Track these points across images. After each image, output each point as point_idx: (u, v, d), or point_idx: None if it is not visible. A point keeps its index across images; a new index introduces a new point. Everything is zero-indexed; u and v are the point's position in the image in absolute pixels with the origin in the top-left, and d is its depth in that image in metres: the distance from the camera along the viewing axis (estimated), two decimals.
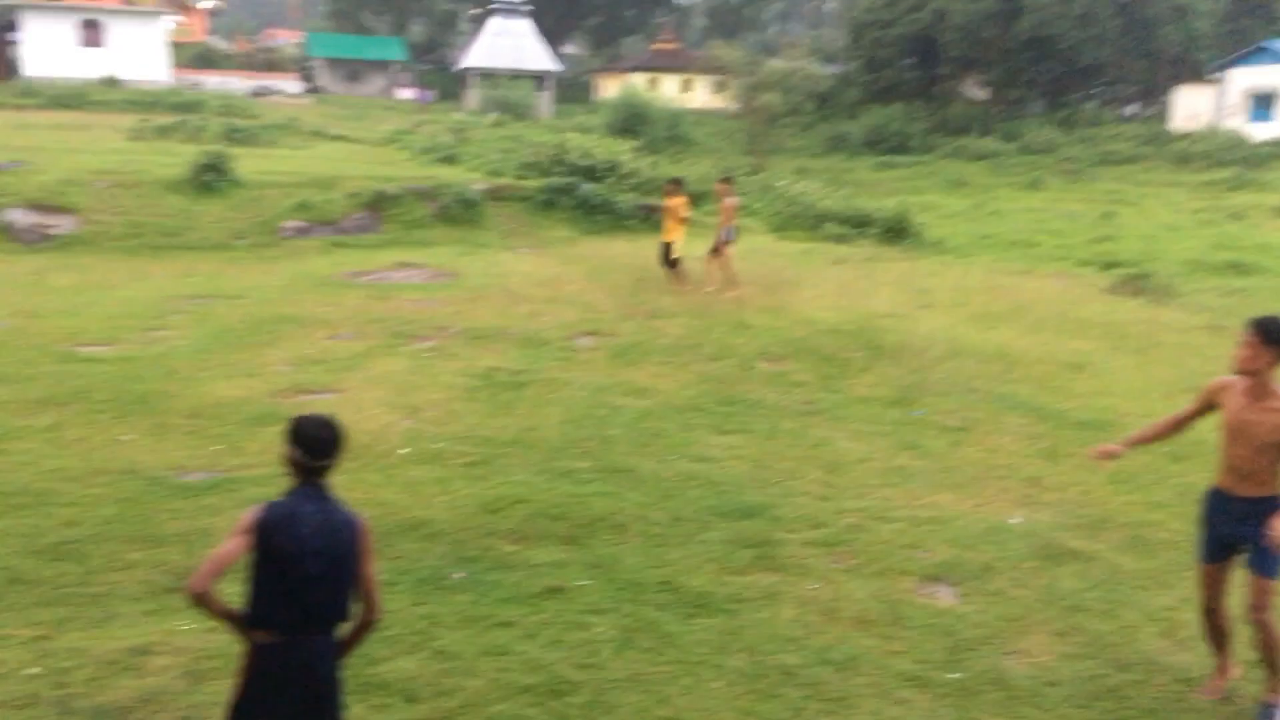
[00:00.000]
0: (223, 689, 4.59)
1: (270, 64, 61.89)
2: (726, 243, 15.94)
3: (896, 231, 24.67)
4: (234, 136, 31.21)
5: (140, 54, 48.16)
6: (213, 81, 51.92)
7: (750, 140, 45.55)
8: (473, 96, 53.67)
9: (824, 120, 50.94)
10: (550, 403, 9.74)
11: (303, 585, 3.44)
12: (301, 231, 22.03)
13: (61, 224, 20.38)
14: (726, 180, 17.03)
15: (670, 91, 55.40)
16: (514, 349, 11.90)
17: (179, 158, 24.46)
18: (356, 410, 9.08)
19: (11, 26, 47.86)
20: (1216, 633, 5.14)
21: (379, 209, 23.27)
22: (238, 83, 52.79)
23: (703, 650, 5.31)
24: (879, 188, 36.56)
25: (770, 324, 13.35)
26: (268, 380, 10.25)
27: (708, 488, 7.67)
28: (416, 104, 52.43)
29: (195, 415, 8.96)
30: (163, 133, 31.43)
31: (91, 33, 48.10)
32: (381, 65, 61.69)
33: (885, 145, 46.79)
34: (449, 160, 29.70)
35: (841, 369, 11.39)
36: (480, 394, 10.06)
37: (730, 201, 16.18)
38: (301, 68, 61.90)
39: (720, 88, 52.06)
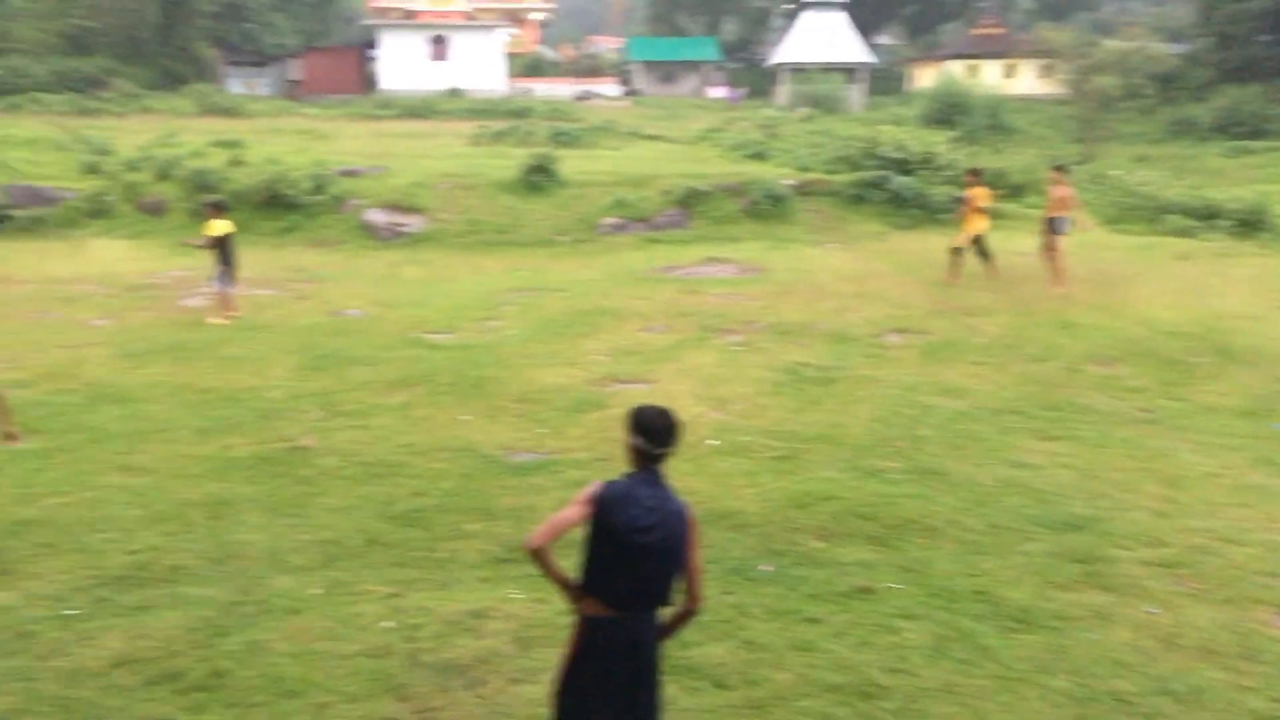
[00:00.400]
0: (549, 655, 4.90)
1: (593, 70, 65.21)
2: (1056, 235, 14.97)
3: (1252, 224, 22.07)
4: (559, 139, 33.10)
5: (480, 66, 52.27)
6: (541, 88, 55.46)
7: (1081, 127, 42.39)
8: (782, 92, 53.79)
9: (1166, 104, 46.49)
10: (858, 400, 9.58)
11: (632, 564, 3.58)
12: (617, 228, 23.01)
13: (411, 223, 22.54)
14: (1059, 169, 15.96)
15: (991, 78, 52.68)
16: (821, 344, 11.80)
17: (511, 161, 26.29)
18: (667, 401, 9.32)
19: (372, 44, 53.53)
20: None
21: (689, 206, 23.84)
22: (563, 89, 56.04)
23: (1024, 667, 5.02)
24: (1230, 176, 32.88)
25: (1101, 323, 12.38)
26: (586, 369, 10.80)
27: (1028, 496, 7.24)
28: (726, 103, 53.22)
29: (523, 400, 9.60)
30: (498, 138, 33.89)
31: (439, 47, 52.80)
32: (694, 66, 63.25)
33: (1239, 130, 41.97)
34: (758, 157, 29.93)
35: (1185, 374, 10.36)
36: (787, 389, 10.07)
37: (1059, 192, 15.17)
38: (620, 72, 64.74)
39: (1048, 72, 48.87)
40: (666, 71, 63.09)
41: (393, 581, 5.85)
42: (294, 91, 51.46)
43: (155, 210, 22.88)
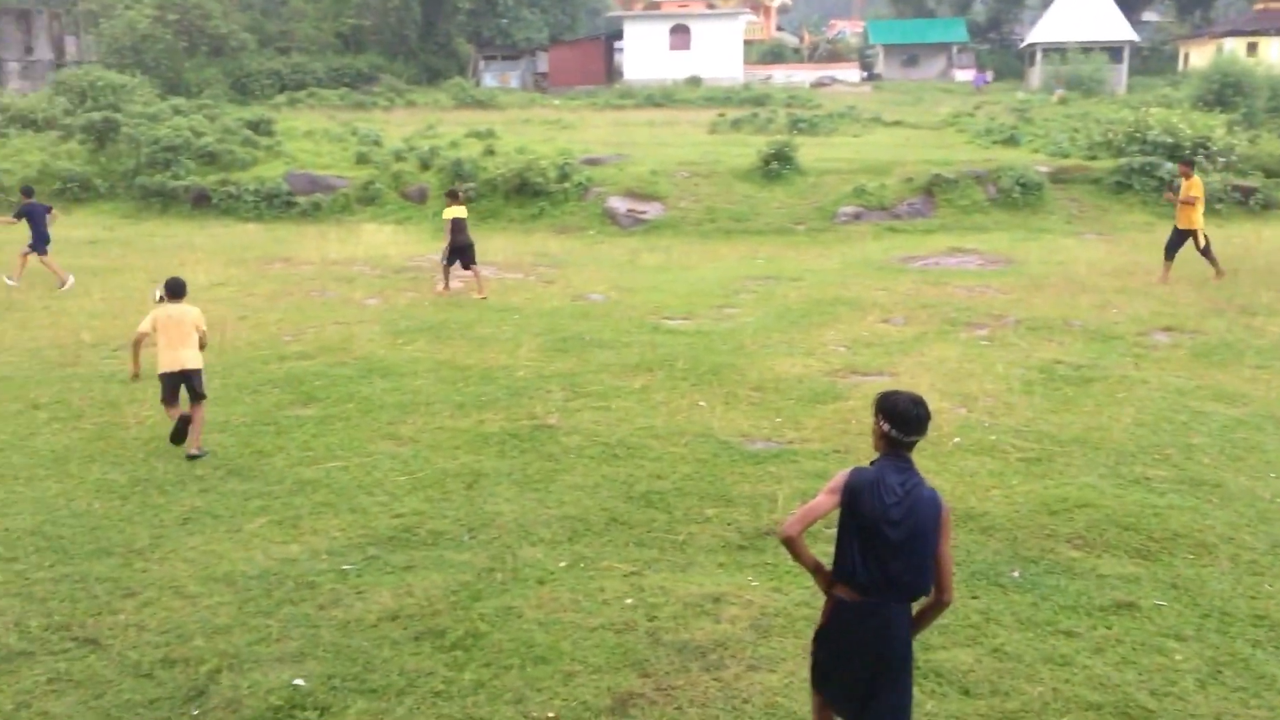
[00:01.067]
0: (787, 645, 4.90)
1: (832, 55, 64.09)
2: None
3: None
4: (798, 127, 32.76)
5: (719, 53, 52.50)
6: (780, 75, 55.06)
7: None
8: (1035, 74, 50.90)
9: None
10: (1120, 402, 8.96)
11: (883, 551, 3.56)
12: (855, 216, 22.55)
13: (650, 210, 22.99)
14: None
15: (1275, 56, 47.75)
16: (1078, 342, 11.13)
17: (749, 148, 26.28)
18: None
19: (617, 36, 54.86)
20: None
21: (933, 194, 23.03)
22: (802, 75, 55.40)
23: None
24: None
25: None
26: (824, 359, 10.67)
27: None
28: (971, 87, 50.87)
29: (759, 388, 9.60)
30: (736, 125, 33.94)
31: (679, 36, 53.44)
32: (939, 48, 60.88)
33: None
34: (1009, 142, 28.48)
35: None
36: (1038, 387, 9.56)
37: None
38: (861, 56, 63.27)
39: None
40: (910, 55, 61.11)
41: (633, 560, 6.01)
42: (542, 83, 53.54)
43: (418, 197, 24.46)
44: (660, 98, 44.57)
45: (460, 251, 14.55)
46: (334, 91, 43.77)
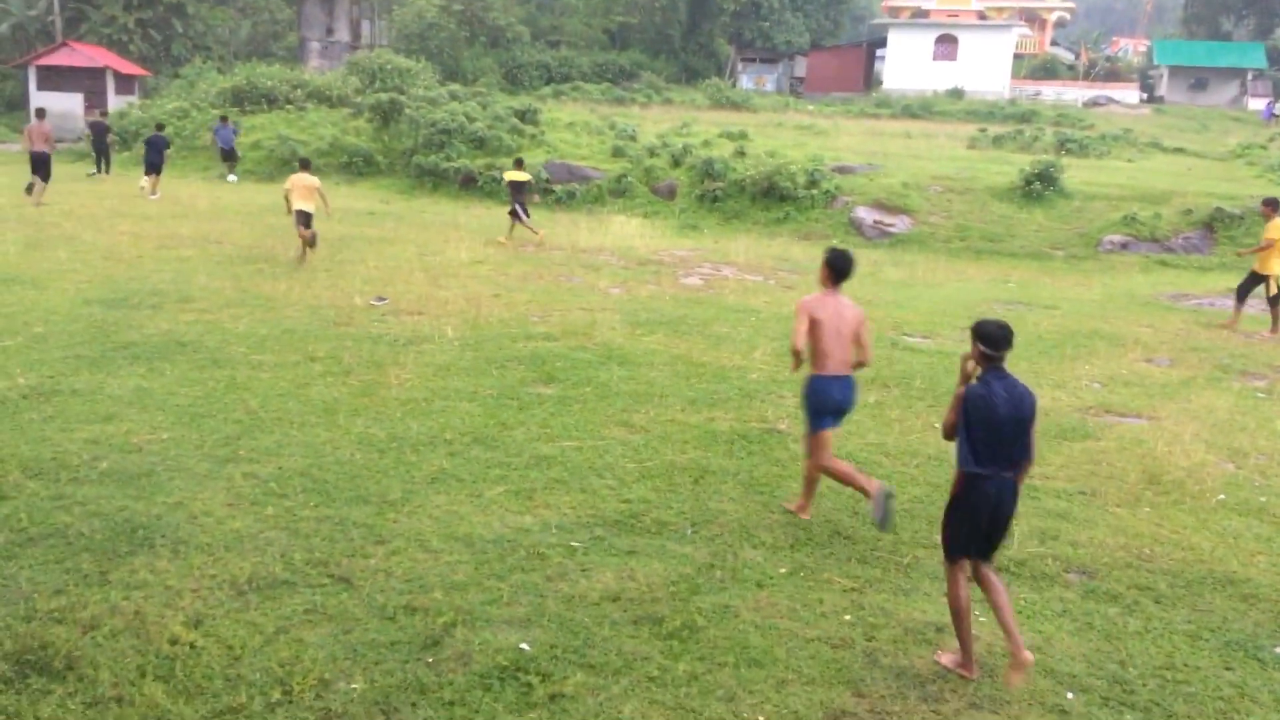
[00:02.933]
0: (1008, 690, 4.68)
1: (1110, 73, 60.29)
2: None
3: None
4: (1065, 147, 31.08)
5: (986, 66, 50.52)
6: (1050, 91, 52.33)
7: None
8: None
9: None
10: None
11: (999, 440, 4.77)
12: (1122, 246, 21.17)
13: (898, 223, 22.46)
14: None
15: None
16: None
17: (1010, 166, 25.17)
18: (1169, 442, 8.48)
19: (880, 43, 53.82)
20: None
21: (1214, 229, 21.29)
22: (1075, 93, 52.42)
23: None
24: None
25: None
26: (1075, 394, 10.09)
27: None
28: (1261, 119, 46.38)
29: None
30: (997, 142, 32.60)
31: (945, 47, 51.82)
32: (1232, 74, 55.95)
33: None
34: None
35: None
36: None
37: None
38: (1143, 77, 59.13)
39: None
40: (1199, 79, 56.52)
41: (855, 577, 5.91)
42: (798, 88, 53.28)
43: (667, 193, 24.95)
44: (919, 109, 43.41)
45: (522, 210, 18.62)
46: (596, 86, 45.35)
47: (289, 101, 31.72)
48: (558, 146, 27.44)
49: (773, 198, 23.67)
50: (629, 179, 25.17)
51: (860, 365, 6.57)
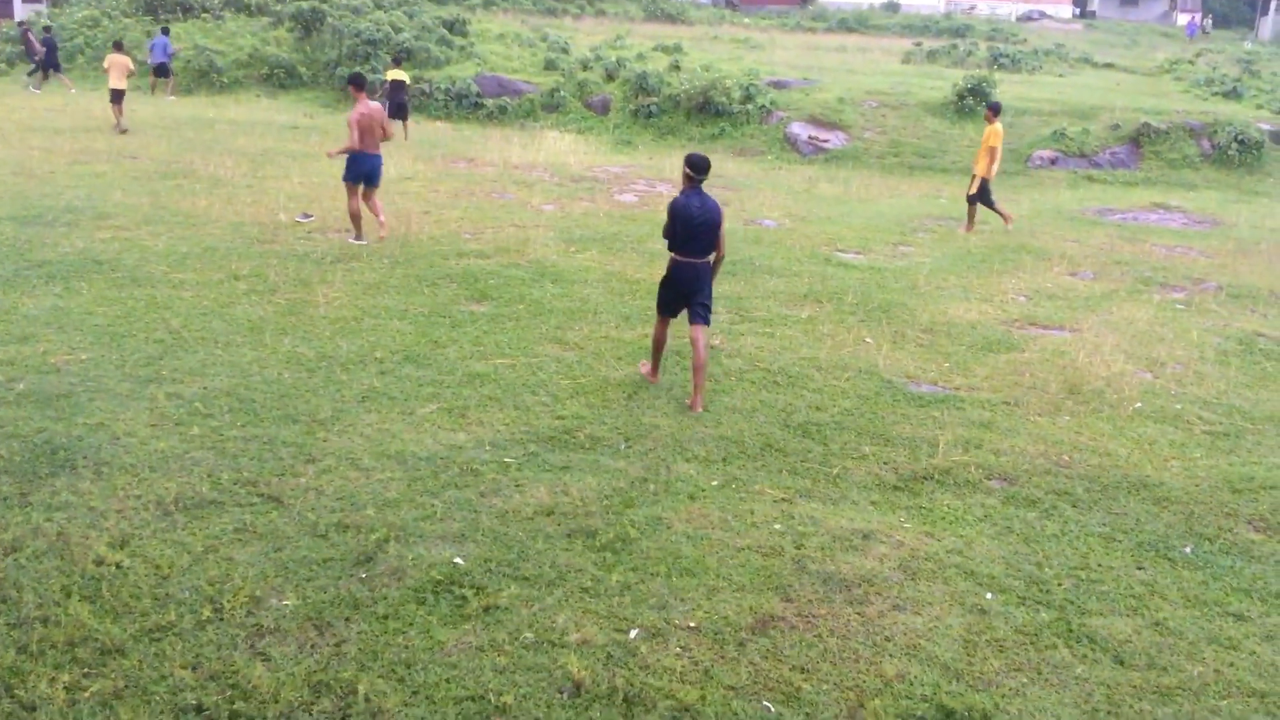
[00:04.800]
0: (934, 590, 4.84)
1: None
2: None
3: None
4: (999, 62, 31.17)
5: None
6: (984, 6, 52.26)
7: None
8: (1268, 24, 46.59)
9: None
10: None
11: (694, 235, 7.04)
12: (1051, 162, 21.43)
13: (833, 139, 22.42)
14: None
15: None
16: None
17: (943, 81, 25.20)
18: (1090, 353, 8.71)
19: None
20: None
21: (1140, 144, 21.63)
22: (1008, 7, 52.42)
23: None
24: None
25: None
26: (1001, 308, 10.28)
27: None
28: (1186, 35, 46.90)
29: (929, 330, 9.35)
30: (931, 57, 32.56)
31: None
32: None
33: None
34: (1231, 95, 26.33)
35: None
36: (1234, 359, 8.97)
37: None
38: None
39: None
40: None
41: (785, 488, 6.02)
42: (734, 1, 52.46)
43: (601, 108, 24.56)
44: (854, 23, 43.12)
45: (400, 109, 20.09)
46: None
47: (205, 10, 30.37)
48: (488, 59, 26.77)
49: (708, 113, 23.43)
50: (562, 93, 24.70)
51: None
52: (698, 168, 7.01)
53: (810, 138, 22.37)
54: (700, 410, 7.04)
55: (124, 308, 8.37)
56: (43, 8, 36.23)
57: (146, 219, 11.51)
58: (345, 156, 10.99)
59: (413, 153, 18.12)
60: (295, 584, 4.58)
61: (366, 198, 11.22)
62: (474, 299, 9.44)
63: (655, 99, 23.85)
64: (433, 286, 9.73)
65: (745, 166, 20.43)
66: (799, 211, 15.24)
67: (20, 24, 29.10)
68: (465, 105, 24.49)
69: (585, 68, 25.81)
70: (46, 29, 25.98)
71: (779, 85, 24.78)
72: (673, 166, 18.99)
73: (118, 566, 4.60)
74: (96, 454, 5.69)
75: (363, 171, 11.02)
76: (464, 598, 4.57)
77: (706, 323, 7.24)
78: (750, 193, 16.84)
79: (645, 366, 7.71)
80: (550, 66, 26.12)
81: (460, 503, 5.49)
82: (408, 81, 21.27)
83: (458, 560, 4.87)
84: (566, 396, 7.19)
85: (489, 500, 5.54)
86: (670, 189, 16.55)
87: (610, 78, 25.23)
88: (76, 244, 10.22)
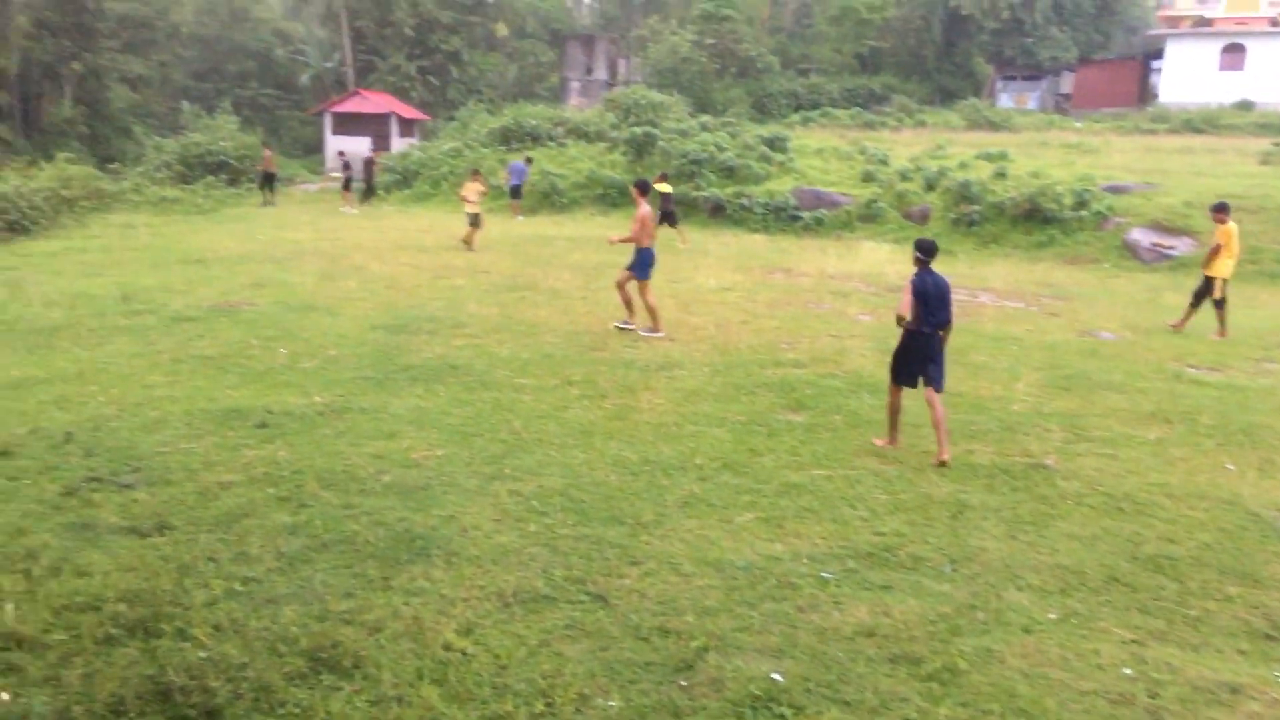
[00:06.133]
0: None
1: None
2: None
3: None
4: None
5: (1279, 76, 45.92)
6: None
7: None
8: None
9: None
10: None
11: (931, 309, 8.01)
12: None
13: (1179, 245, 20.75)
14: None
15: None
16: None
17: None
18: None
19: (1155, 55, 50.12)
20: None
21: None
22: None
23: None
24: None
25: None
26: None
27: None
28: None
29: None
30: None
31: (1232, 56, 47.54)
32: None
33: None
34: None
35: None
36: None
37: None
38: None
39: None
40: None
41: (1134, 627, 5.46)
42: (1063, 105, 50.53)
43: (920, 218, 24.29)
44: (1201, 123, 40.01)
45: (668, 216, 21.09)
46: (846, 111, 44.86)
47: (550, 138, 33.41)
48: (806, 173, 27.33)
49: (1035, 220, 22.49)
50: (879, 204, 24.68)
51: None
52: (928, 251, 8.12)
53: (1153, 244, 20.82)
54: (948, 458, 7.94)
55: (474, 409, 9.16)
56: (414, 140, 41.35)
57: (495, 328, 12.62)
58: (624, 244, 12.68)
59: (732, 264, 18.71)
60: (620, 685, 4.70)
61: (643, 290, 12.48)
62: (790, 408, 9.48)
63: (978, 207, 23.25)
64: (750, 395, 9.89)
65: (1077, 275, 19.31)
66: (1141, 323, 14.14)
67: (340, 153, 33.49)
68: (782, 218, 25.06)
69: (904, 178, 25.69)
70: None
71: (1116, 190, 23.38)
72: (995, 275, 18.35)
73: (463, 653, 4.94)
74: (448, 544, 6.20)
75: (649, 264, 12.36)
76: (783, 716, 4.49)
77: (940, 389, 8.19)
78: (1084, 302, 15.86)
79: (880, 440, 8.44)
80: (868, 178, 26.23)
81: (778, 616, 5.44)
82: (672, 193, 22.48)
83: (776, 676, 4.80)
84: (886, 512, 6.99)
85: (807, 616, 5.45)
86: (993, 299, 15.95)
87: (930, 187, 24.93)
88: (436, 350, 11.36)
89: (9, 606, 5.21)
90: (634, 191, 12.87)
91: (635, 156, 29.42)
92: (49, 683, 4.57)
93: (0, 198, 21.13)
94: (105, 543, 6.10)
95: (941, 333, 8.14)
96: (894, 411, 8.37)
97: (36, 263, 17.56)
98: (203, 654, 4.76)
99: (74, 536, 6.18)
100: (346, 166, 30.51)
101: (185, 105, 46.56)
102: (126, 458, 7.59)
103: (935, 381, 8.13)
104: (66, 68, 46.49)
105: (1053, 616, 5.55)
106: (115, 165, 36.45)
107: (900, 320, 8.07)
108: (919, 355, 8.09)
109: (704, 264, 18.37)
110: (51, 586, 5.48)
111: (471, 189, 20.92)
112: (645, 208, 12.39)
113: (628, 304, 12.63)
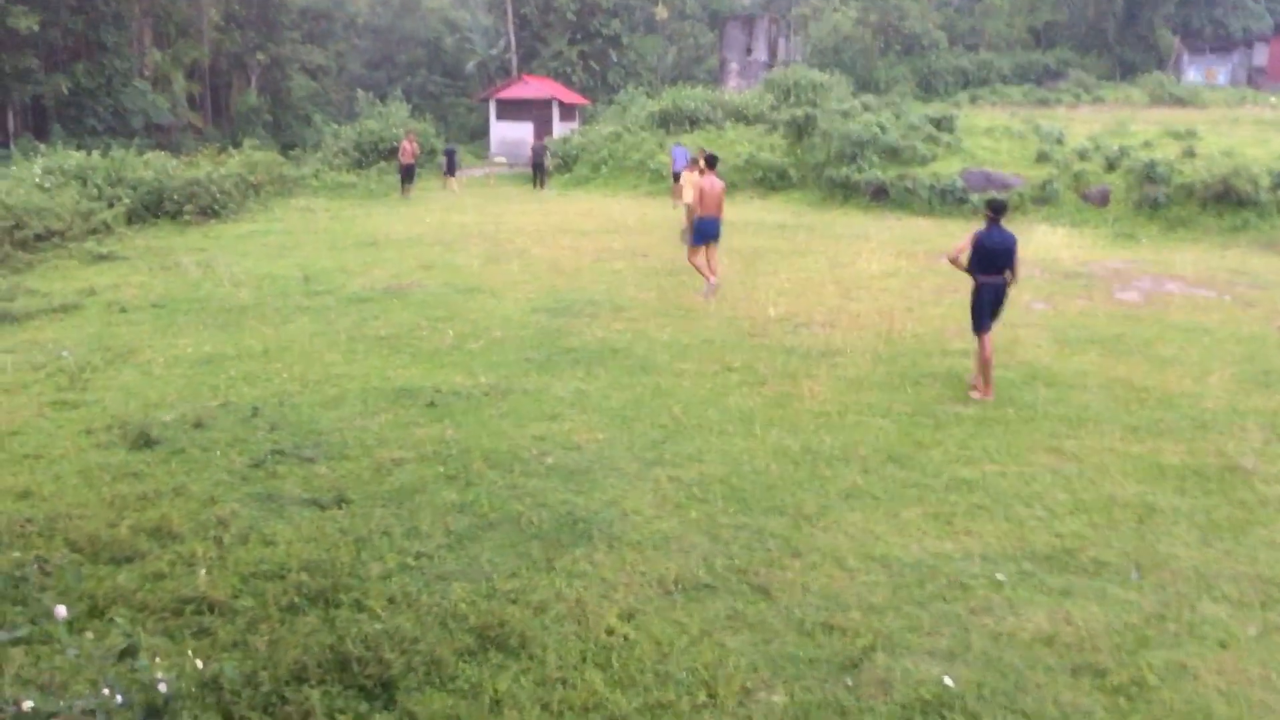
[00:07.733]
0: None
1: None
2: None
3: None
4: None
5: None
6: None
7: None
8: None
9: None
10: None
11: (992, 259, 9.01)
12: None
13: None
14: None
15: None
16: None
17: None
18: None
19: None
20: None
21: None
22: None
23: None
24: None
25: None
26: None
27: None
28: None
29: None
30: None
31: None
32: None
33: None
34: None
35: None
36: None
37: None
38: None
39: None
40: None
41: None
42: (1257, 79, 47.01)
43: (1099, 200, 23.05)
44: None
45: None
46: (1017, 88, 43.05)
47: (709, 121, 33.22)
48: (975, 153, 26.26)
49: (1228, 203, 20.96)
50: (1054, 185, 23.48)
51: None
52: (998, 210, 9.11)
53: None
54: (992, 397, 9.06)
55: (634, 393, 9.19)
56: (575, 125, 41.93)
57: (654, 312, 12.64)
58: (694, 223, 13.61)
59: (894, 249, 18.18)
60: (784, 680, 4.62)
61: (710, 253, 13.71)
62: (959, 399, 9.14)
63: (1164, 188, 21.84)
64: (916, 384, 9.58)
65: (1275, 262, 17.90)
66: None
67: (535, 142, 34.58)
68: (950, 200, 24.18)
69: (1082, 158, 24.36)
70: (449, 151, 31.58)
71: None
72: (1183, 262, 17.22)
73: (625, 639, 4.95)
74: (609, 529, 6.24)
75: (706, 233, 13.49)
76: None
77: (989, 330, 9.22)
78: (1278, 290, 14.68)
79: (977, 392, 9.17)
80: (1042, 158, 25.01)
81: (948, 617, 5.23)
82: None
83: (947, 680, 4.62)
84: (1065, 512, 6.64)
85: (980, 619, 5.23)
86: (1182, 286, 14.98)
87: (1111, 167, 23.57)
88: (596, 333, 11.46)
89: (202, 572, 5.53)
90: (702, 162, 13.84)
91: (795, 138, 28.93)
92: (237, 647, 4.82)
93: (194, 183, 22.45)
94: (289, 513, 6.41)
95: (1005, 280, 9.13)
96: (985, 364, 9.14)
97: (226, 245, 18.65)
98: (378, 626, 4.93)
99: (260, 506, 6.52)
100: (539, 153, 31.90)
101: (360, 93, 48.52)
102: (308, 432, 7.96)
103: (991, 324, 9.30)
104: (252, 58, 49.40)
105: (1252, 631, 5.15)
106: (296, 151, 38.42)
107: (954, 262, 9.28)
108: (990, 302, 9.10)
109: (865, 249, 17.90)
110: (240, 554, 5.79)
111: (689, 179, 19.40)
112: (704, 181, 13.43)
113: (704, 269, 13.71)
